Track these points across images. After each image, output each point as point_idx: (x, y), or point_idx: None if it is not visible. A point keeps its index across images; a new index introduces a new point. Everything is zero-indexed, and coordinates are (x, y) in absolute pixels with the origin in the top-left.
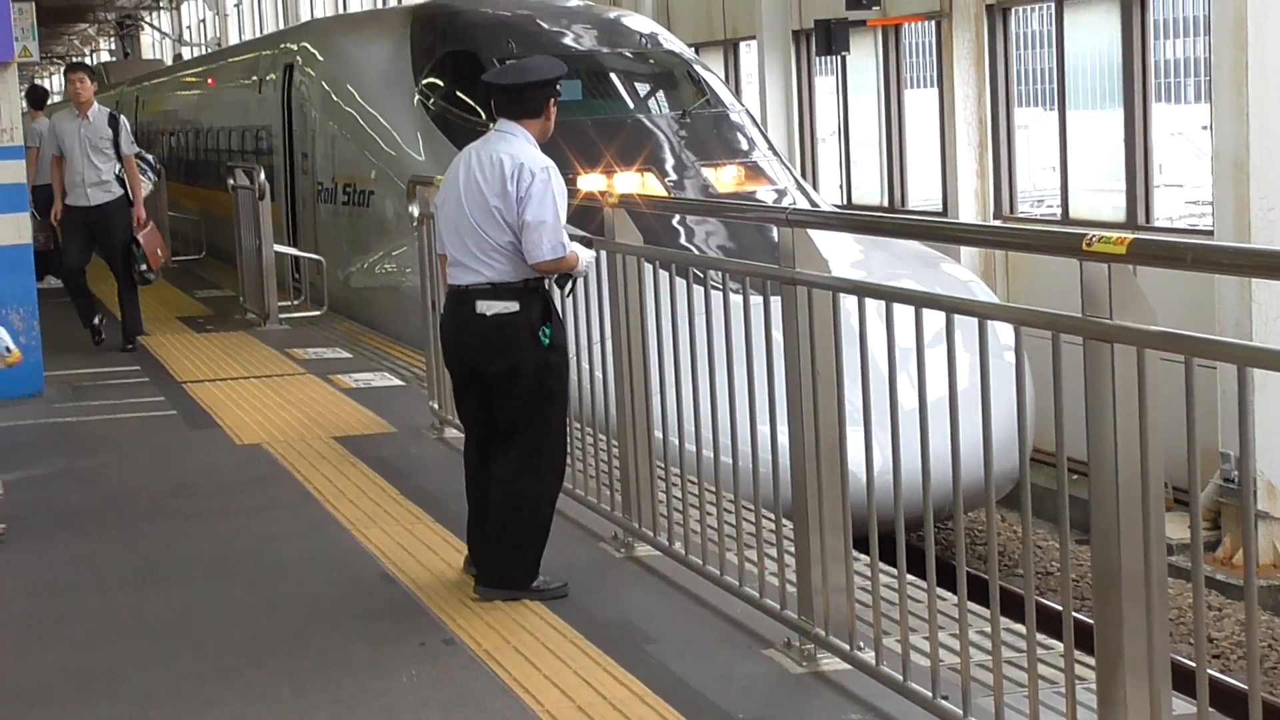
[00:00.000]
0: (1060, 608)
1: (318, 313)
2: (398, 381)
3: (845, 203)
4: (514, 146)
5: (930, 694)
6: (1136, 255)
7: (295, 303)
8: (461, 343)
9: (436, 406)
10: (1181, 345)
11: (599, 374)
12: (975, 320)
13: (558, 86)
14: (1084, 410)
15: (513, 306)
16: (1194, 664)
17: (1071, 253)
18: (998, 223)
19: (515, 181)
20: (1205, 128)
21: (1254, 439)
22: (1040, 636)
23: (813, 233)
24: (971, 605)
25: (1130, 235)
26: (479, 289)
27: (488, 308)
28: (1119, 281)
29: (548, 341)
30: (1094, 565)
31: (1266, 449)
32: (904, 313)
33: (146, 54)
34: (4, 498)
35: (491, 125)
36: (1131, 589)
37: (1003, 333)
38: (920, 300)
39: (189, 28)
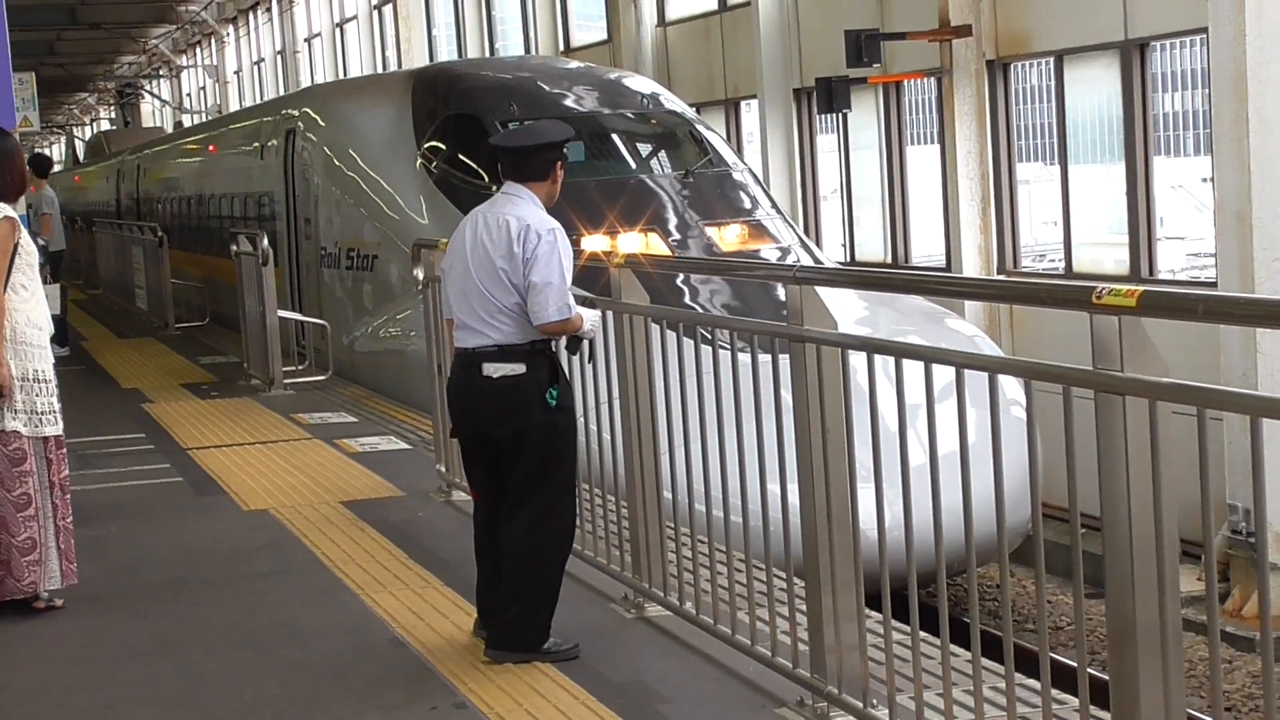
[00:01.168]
0: (1075, 663)
1: (322, 377)
2: (404, 445)
3: (849, 259)
4: (520, 209)
5: None
6: (1147, 308)
7: (300, 368)
8: (469, 406)
9: (444, 470)
10: (1194, 397)
11: (607, 435)
12: (985, 375)
13: (565, 150)
14: (1095, 464)
15: (519, 369)
16: (1209, 719)
17: (1082, 305)
18: (994, 277)
19: (521, 243)
20: (1205, 180)
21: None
22: (1055, 692)
23: (819, 290)
24: (985, 661)
25: (1140, 288)
26: (485, 351)
27: (494, 370)
28: (1129, 334)
29: (554, 403)
30: (1109, 620)
31: (1274, 498)
32: (912, 369)
33: (146, 121)
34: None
35: (496, 188)
36: (1147, 643)
37: (1009, 387)
38: (930, 356)
39: (189, 95)
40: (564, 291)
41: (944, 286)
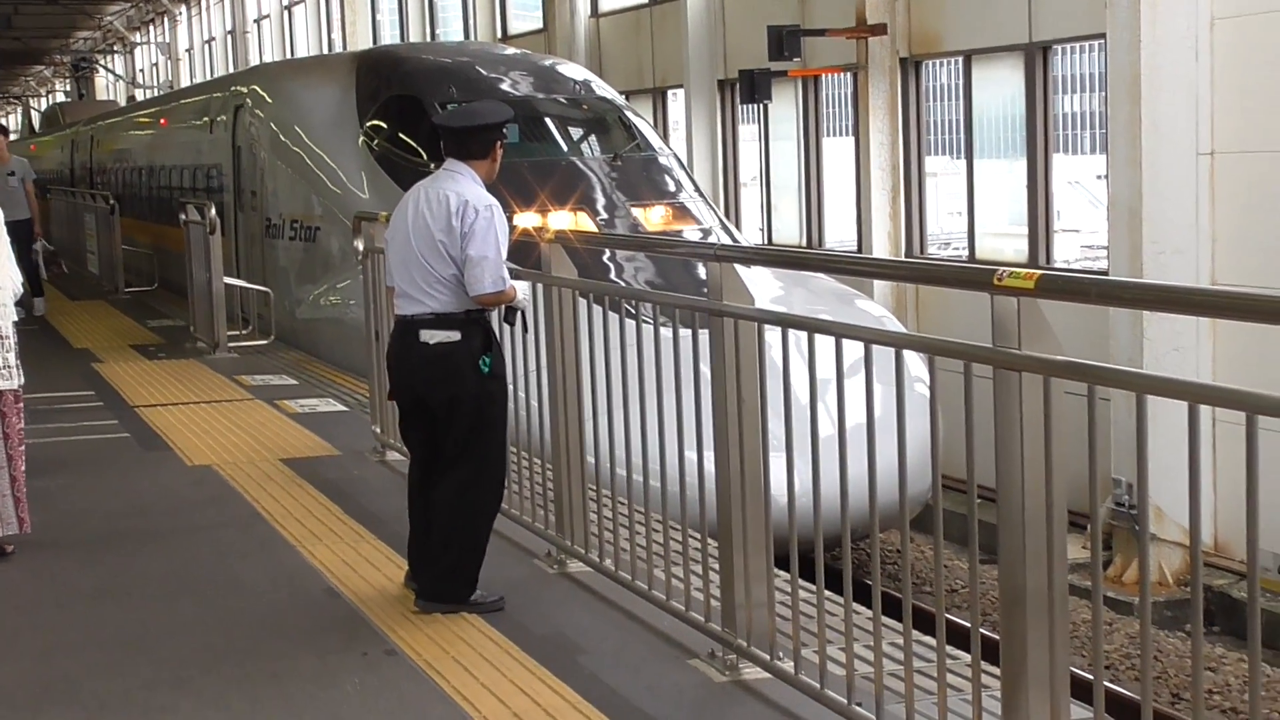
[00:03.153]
0: (969, 623)
1: (265, 342)
2: (341, 407)
3: (767, 242)
4: (460, 185)
5: (845, 701)
6: (1044, 290)
7: (243, 332)
8: (406, 370)
9: (379, 431)
10: (1086, 374)
11: (534, 401)
12: (892, 351)
13: (504, 131)
14: (993, 437)
15: (454, 336)
16: (1090, 675)
17: (983, 287)
18: (912, 259)
19: (460, 218)
20: (1100, 177)
21: (1149, 464)
22: (950, 649)
23: (739, 269)
24: (885, 619)
25: (1038, 271)
26: (423, 319)
27: (430, 336)
28: (1027, 314)
29: (488, 370)
30: (1001, 584)
31: (1155, 475)
32: (823, 344)
33: (100, 95)
34: None
35: (435, 166)
36: (1035, 606)
37: (913, 364)
38: (840, 331)
39: (142, 71)
40: (499, 265)
41: (857, 266)
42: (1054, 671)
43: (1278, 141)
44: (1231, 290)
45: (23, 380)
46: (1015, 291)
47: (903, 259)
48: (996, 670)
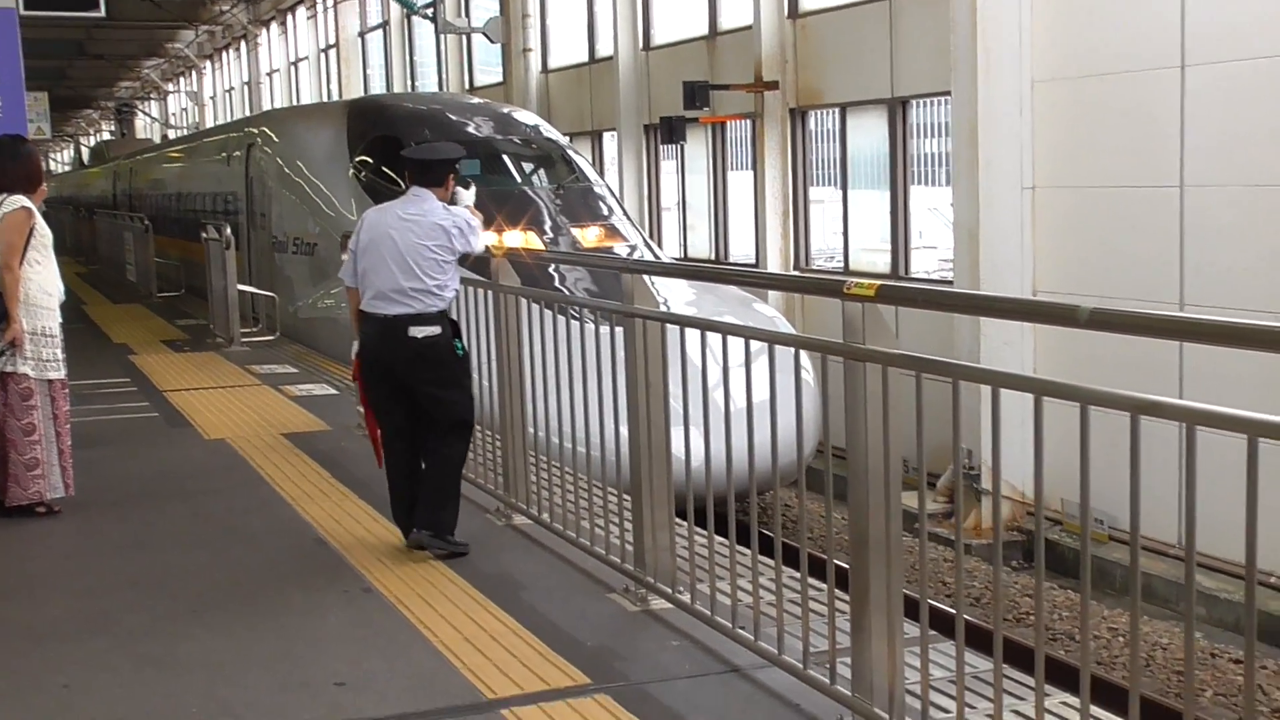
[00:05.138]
0: (825, 557)
1: (271, 338)
2: (333, 391)
3: (683, 257)
4: (432, 205)
5: (730, 625)
6: (883, 297)
7: (254, 330)
8: (393, 362)
9: (362, 410)
10: (913, 364)
11: (486, 384)
12: (765, 345)
13: (456, 165)
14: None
15: (436, 330)
16: (915, 594)
17: (836, 294)
18: (793, 272)
19: (455, 229)
20: (952, 204)
21: (962, 435)
22: (812, 580)
23: (658, 280)
24: (762, 558)
25: (878, 282)
26: (408, 318)
27: (419, 332)
28: (870, 316)
29: (461, 352)
30: (851, 528)
31: (986, 444)
32: (714, 339)
33: (139, 134)
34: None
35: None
36: (876, 545)
37: (790, 356)
38: (725, 329)
39: (174, 114)
40: (479, 228)
41: (734, 277)
42: (889, 595)
43: (1084, 179)
44: (1009, 296)
45: (66, 371)
46: (860, 298)
47: (772, 272)
48: (848, 595)
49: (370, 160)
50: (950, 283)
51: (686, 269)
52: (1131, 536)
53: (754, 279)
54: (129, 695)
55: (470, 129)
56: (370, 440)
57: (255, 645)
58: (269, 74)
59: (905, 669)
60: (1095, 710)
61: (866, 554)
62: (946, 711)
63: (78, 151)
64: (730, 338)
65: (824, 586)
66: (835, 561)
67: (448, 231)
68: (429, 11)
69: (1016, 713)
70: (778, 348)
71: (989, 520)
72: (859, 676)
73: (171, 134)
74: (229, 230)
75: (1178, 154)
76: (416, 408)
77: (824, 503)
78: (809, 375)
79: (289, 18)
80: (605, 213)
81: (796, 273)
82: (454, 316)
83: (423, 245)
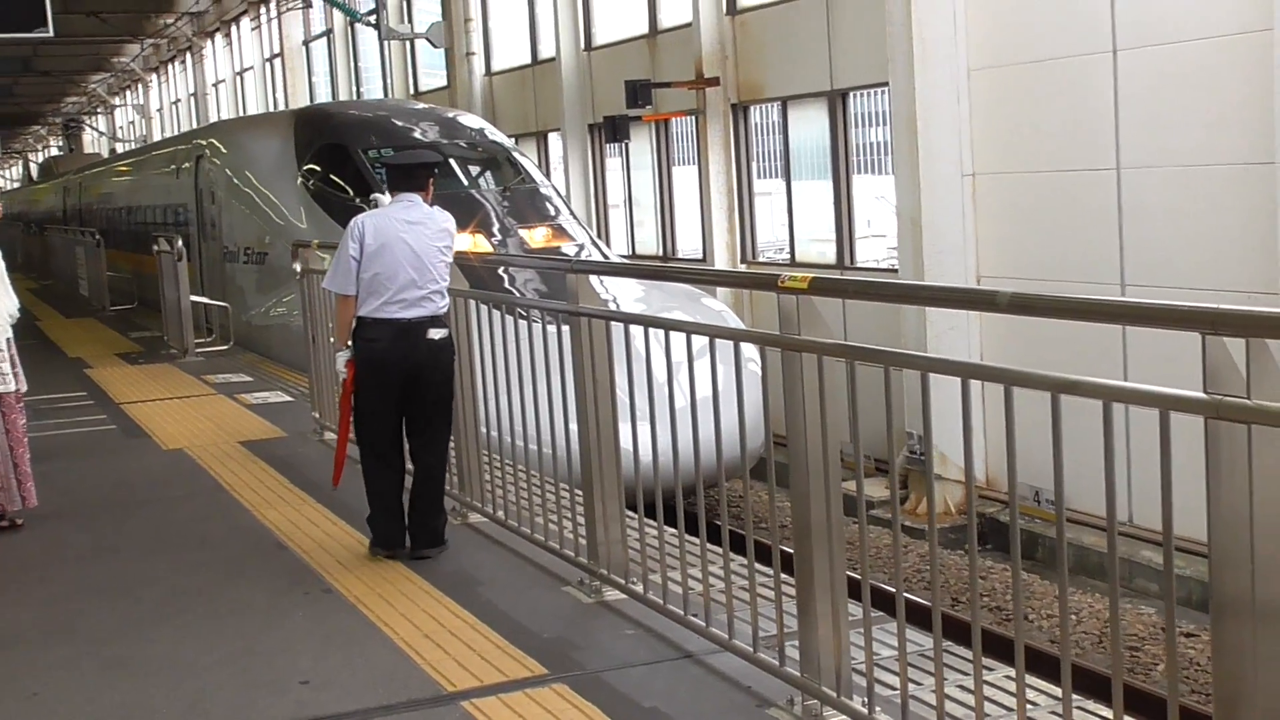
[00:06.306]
0: (770, 543)
1: (225, 347)
2: (287, 398)
3: (631, 253)
4: (426, 208)
5: (682, 613)
6: (816, 290)
7: (208, 340)
8: (410, 362)
9: (317, 416)
10: (846, 352)
11: None
12: (706, 338)
13: (435, 169)
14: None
15: (447, 331)
16: (857, 575)
17: (771, 288)
18: (740, 267)
19: (454, 234)
20: (895, 193)
21: (899, 420)
22: (760, 566)
23: (606, 278)
24: (711, 546)
25: (811, 275)
26: (427, 320)
27: (435, 334)
28: (804, 309)
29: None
30: (793, 514)
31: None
32: (656, 335)
33: (87, 148)
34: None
35: (359, 200)
36: (818, 530)
37: (748, 350)
38: (667, 325)
39: (121, 127)
40: None
41: (678, 275)
42: (833, 575)
43: (1023, 164)
44: (933, 285)
45: (24, 385)
46: (794, 291)
47: (706, 268)
48: (793, 579)
49: (318, 168)
50: (896, 270)
51: (628, 268)
52: (1057, 509)
53: (694, 275)
54: (97, 698)
55: (416, 134)
56: (335, 459)
57: (220, 646)
58: (215, 85)
59: (851, 649)
60: (1032, 679)
61: (810, 540)
62: (892, 689)
63: (26, 168)
64: (674, 334)
65: (771, 573)
66: (781, 548)
67: (451, 233)
68: (372, 19)
69: (961, 687)
70: (721, 341)
71: (942, 505)
72: (807, 658)
73: (119, 148)
74: (180, 242)
75: (1113, 137)
76: (408, 414)
77: (769, 491)
78: (758, 368)
79: (233, 28)
80: (552, 213)
81: (743, 267)
82: None
83: (434, 247)
